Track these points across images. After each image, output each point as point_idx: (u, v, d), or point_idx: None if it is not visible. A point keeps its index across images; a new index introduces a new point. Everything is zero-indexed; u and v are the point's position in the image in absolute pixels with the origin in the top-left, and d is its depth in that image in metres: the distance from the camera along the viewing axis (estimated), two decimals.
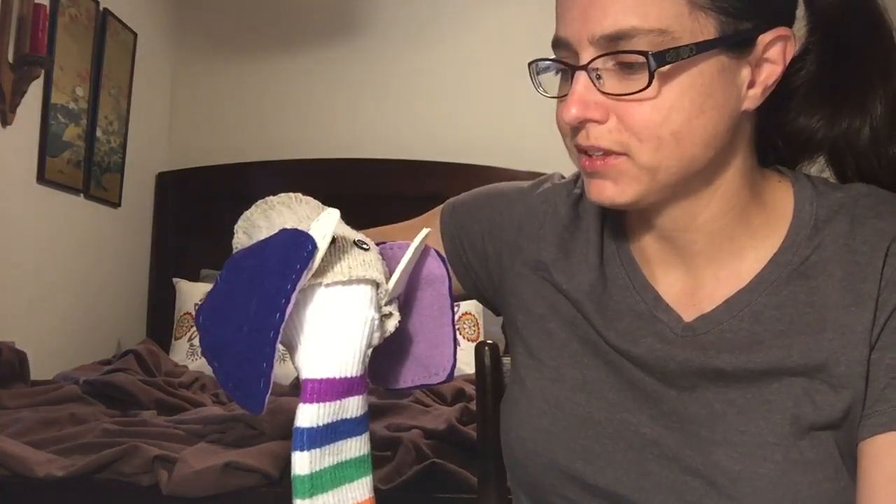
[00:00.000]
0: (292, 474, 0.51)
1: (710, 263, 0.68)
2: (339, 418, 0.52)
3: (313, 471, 0.50)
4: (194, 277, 2.97)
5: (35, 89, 2.39)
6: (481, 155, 3.07)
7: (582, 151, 0.64)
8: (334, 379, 0.52)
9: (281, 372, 2.66)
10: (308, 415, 0.51)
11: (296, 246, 0.51)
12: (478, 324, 2.78)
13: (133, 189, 3.03)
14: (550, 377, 0.72)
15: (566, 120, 0.61)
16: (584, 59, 0.60)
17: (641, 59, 0.58)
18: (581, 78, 0.61)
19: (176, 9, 3.33)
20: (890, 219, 0.64)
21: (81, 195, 2.71)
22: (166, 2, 3.29)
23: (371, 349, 0.55)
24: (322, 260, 0.52)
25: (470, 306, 2.74)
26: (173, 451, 1.42)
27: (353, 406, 0.53)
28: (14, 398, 1.79)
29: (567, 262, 0.74)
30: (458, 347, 0.64)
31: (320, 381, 0.51)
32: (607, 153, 0.62)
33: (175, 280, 2.94)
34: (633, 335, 0.68)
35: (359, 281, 0.53)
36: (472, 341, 2.68)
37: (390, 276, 0.57)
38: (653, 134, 0.60)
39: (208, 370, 2.56)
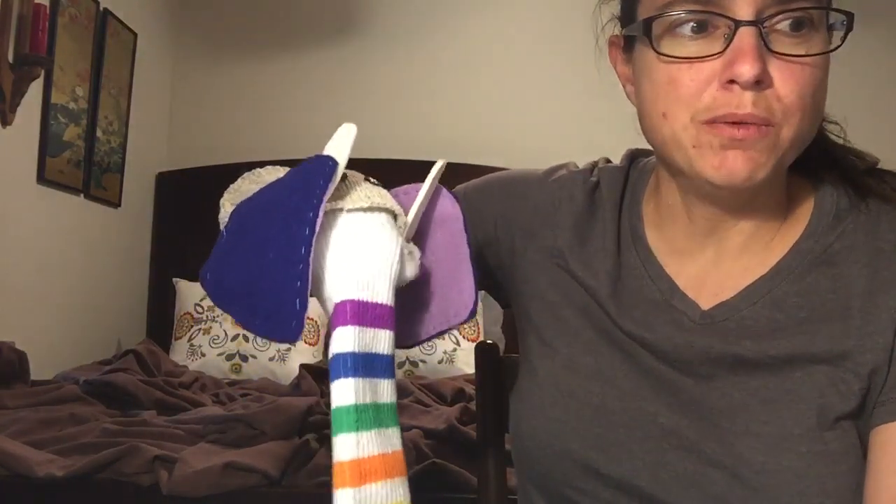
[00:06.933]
0: (333, 407, 0.45)
1: (742, 254, 0.66)
2: (373, 350, 0.47)
3: (358, 402, 0.45)
4: (194, 277, 2.96)
5: (35, 89, 2.38)
6: (483, 155, 3.07)
7: (723, 121, 0.58)
8: (368, 302, 0.48)
9: (282, 371, 2.66)
10: (347, 338, 0.46)
11: (315, 165, 0.48)
12: (478, 324, 2.78)
13: (133, 189, 3.03)
14: (564, 365, 0.71)
15: (746, 77, 0.55)
16: (751, 15, 0.56)
17: (810, 21, 0.57)
18: (753, 34, 0.56)
19: (176, 9, 3.33)
20: None
21: (81, 195, 2.71)
22: (166, 2, 3.29)
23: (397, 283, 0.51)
24: (338, 189, 0.49)
25: None
26: (173, 451, 1.42)
27: (385, 341, 0.48)
28: (14, 398, 1.79)
29: (583, 249, 0.72)
30: (467, 317, 0.59)
31: (355, 302, 0.47)
32: (759, 123, 0.57)
33: (175, 280, 2.95)
34: (649, 323, 0.67)
35: (379, 209, 0.51)
36: (472, 341, 2.68)
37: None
38: (805, 103, 0.57)
39: (208, 370, 2.55)
